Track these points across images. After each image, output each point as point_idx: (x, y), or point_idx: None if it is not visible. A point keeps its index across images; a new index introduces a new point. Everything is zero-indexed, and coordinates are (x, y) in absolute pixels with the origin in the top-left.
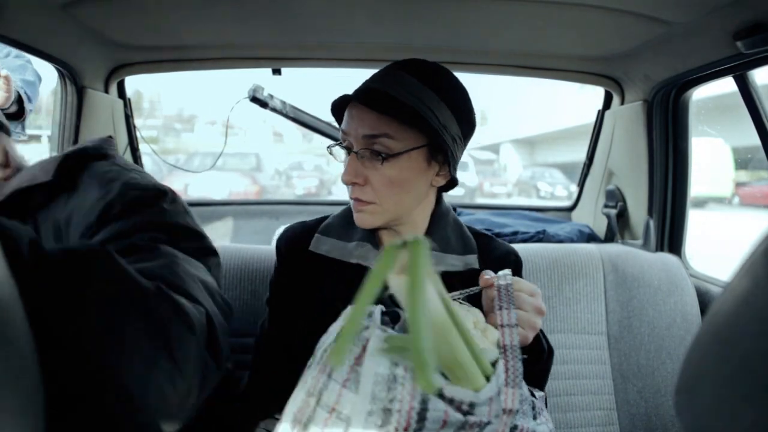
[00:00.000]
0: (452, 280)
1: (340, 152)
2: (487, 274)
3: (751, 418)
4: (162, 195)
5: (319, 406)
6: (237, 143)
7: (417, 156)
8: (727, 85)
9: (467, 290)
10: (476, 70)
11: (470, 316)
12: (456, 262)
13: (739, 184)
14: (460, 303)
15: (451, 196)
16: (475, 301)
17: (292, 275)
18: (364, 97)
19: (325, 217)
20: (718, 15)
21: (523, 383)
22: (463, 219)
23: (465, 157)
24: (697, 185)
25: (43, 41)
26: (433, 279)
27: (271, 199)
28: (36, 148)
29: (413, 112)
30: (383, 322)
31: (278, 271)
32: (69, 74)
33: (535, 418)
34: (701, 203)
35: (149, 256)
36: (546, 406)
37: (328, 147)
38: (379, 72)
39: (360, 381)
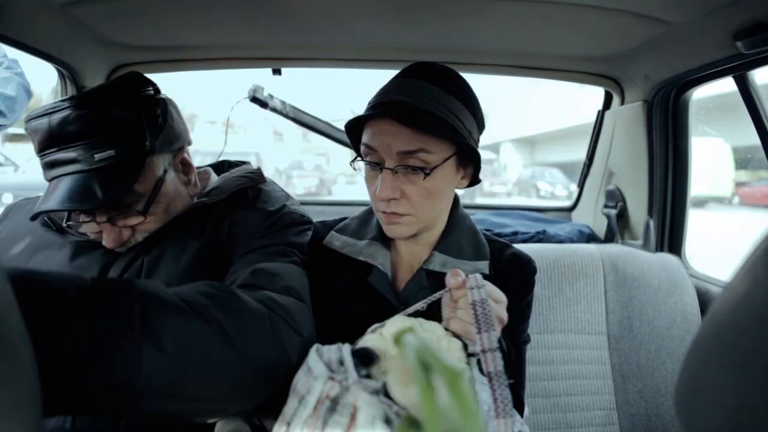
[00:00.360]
0: None
1: (362, 164)
2: (456, 276)
3: (751, 417)
4: (309, 223)
5: None
6: (237, 142)
7: (450, 165)
8: (727, 84)
9: (432, 297)
10: (476, 70)
11: (431, 334)
12: (466, 268)
13: (739, 184)
14: (420, 322)
15: None
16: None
17: (312, 269)
18: (395, 112)
19: (345, 218)
20: (718, 15)
21: (515, 412)
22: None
23: None
24: (698, 185)
25: (42, 41)
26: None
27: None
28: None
29: (446, 124)
30: (355, 364)
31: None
32: (69, 74)
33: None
34: (701, 203)
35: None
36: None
37: (351, 162)
38: (398, 82)
39: None
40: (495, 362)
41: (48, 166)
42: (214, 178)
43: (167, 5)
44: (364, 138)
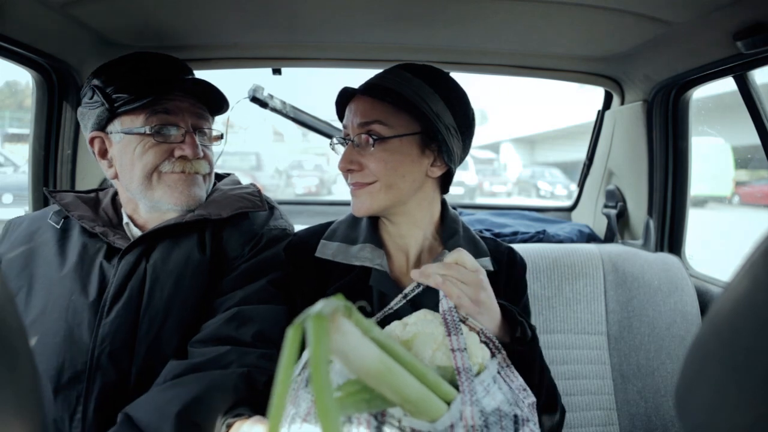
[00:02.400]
0: None
1: (341, 149)
2: (420, 276)
3: (750, 416)
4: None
5: None
6: (237, 142)
7: (410, 142)
8: (727, 84)
9: (407, 293)
10: (476, 70)
11: (431, 338)
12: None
13: (739, 184)
14: (426, 318)
15: (451, 195)
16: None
17: (301, 279)
18: (361, 89)
19: (331, 223)
20: (718, 15)
21: (499, 397)
22: (462, 219)
23: None
24: (698, 184)
25: (42, 41)
26: (366, 328)
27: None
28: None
29: (404, 99)
30: None
31: (287, 276)
32: (69, 74)
33: (516, 431)
34: (701, 202)
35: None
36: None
37: (330, 143)
38: (384, 72)
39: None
40: (463, 360)
41: None
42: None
43: (167, 5)
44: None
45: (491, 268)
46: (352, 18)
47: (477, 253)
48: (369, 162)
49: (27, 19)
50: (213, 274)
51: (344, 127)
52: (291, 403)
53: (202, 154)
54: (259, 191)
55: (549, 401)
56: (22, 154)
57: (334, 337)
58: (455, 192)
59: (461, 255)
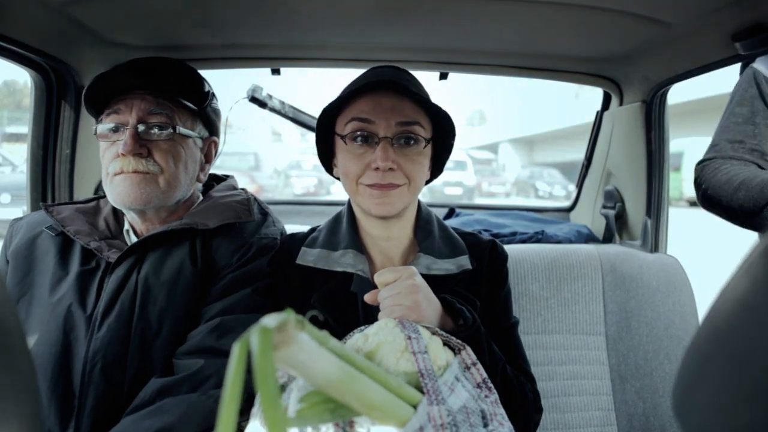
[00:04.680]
0: (448, 283)
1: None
2: (372, 295)
3: (749, 417)
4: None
5: None
6: (235, 142)
7: (429, 148)
8: (726, 84)
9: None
10: (475, 70)
11: (395, 345)
12: (449, 266)
13: None
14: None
15: (449, 195)
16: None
17: (285, 287)
18: (396, 85)
19: (314, 229)
20: (716, 16)
21: (464, 396)
22: (461, 219)
23: (463, 156)
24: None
25: (42, 41)
26: (321, 339)
27: (270, 199)
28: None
29: (433, 104)
30: None
31: (274, 283)
32: (68, 74)
33: (486, 425)
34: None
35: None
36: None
37: (353, 136)
38: (382, 70)
39: None
40: (424, 362)
41: None
42: (196, 190)
43: (166, 5)
44: (357, 113)
45: (469, 266)
46: (351, 18)
47: (455, 252)
48: (405, 163)
49: (26, 18)
50: (204, 285)
51: (365, 120)
52: (261, 423)
53: (130, 149)
54: (248, 200)
55: (507, 394)
56: (20, 154)
57: (290, 349)
58: (454, 192)
59: (381, 277)
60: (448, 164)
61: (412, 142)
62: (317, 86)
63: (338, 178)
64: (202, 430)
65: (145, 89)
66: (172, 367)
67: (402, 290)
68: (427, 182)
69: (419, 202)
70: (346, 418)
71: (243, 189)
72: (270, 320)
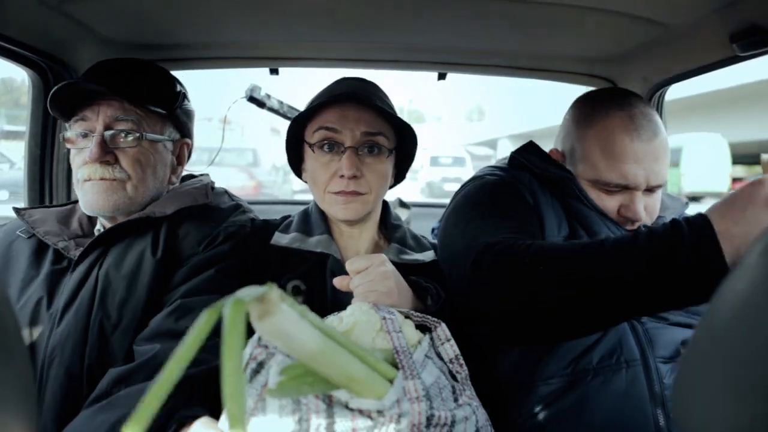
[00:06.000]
0: (417, 273)
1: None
2: (343, 280)
3: (749, 417)
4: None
5: None
6: (234, 139)
7: (392, 157)
8: (725, 80)
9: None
10: (473, 70)
11: (370, 325)
12: (419, 257)
13: (735, 180)
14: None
15: (448, 191)
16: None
17: (256, 267)
18: (360, 97)
19: (287, 217)
20: (714, 17)
21: (435, 372)
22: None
23: (462, 153)
24: (695, 181)
25: (40, 39)
26: (301, 312)
27: (267, 199)
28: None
29: (395, 116)
30: None
31: (242, 264)
32: (66, 72)
33: (456, 400)
34: (698, 199)
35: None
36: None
37: (320, 144)
38: (347, 82)
39: (266, 409)
40: (399, 341)
41: None
42: (166, 191)
43: (164, 4)
44: (324, 122)
45: (436, 258)
46: (350, 18)
47: (420, 248)
48: (368, 171)
49: (23, 16)
50: (167, 273)
51: (331, 129)
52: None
53: (96, 157)
54: (206, 185)
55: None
56: (18, 151)
57: (273, 319)
58: (453, 188)
59: (353, 264)
60: (447, 161)
61: (375, 151)
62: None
63: (306, 182)
64: (160, 419)
65: (111, 95)
66: (132, 356)
67: (374, 277)
68: (391, 187)
69: (387, 205)
70: (325, 391)
71: (205, 176)
72: (251, 291)
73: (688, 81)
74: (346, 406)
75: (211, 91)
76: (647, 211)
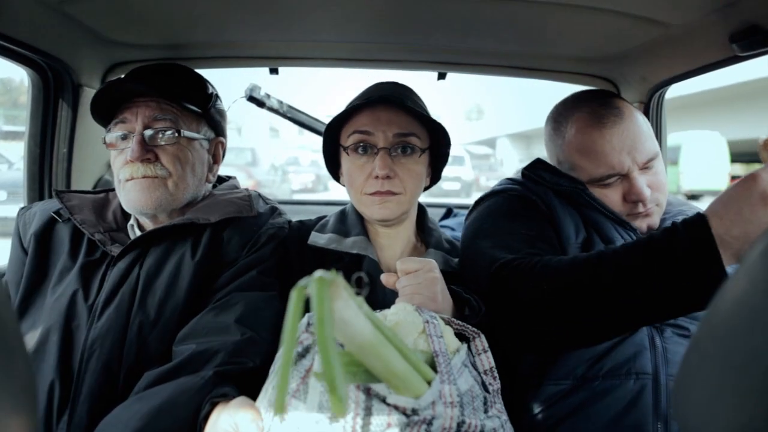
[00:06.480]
0: (455, 280)
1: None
2: (390, 277)
3: (748, 417)
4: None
5: (276, 417)
6: (233, 138)
7: (426, 156)
8: (724, 77)
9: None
10: (473, 70)
11: (413, 326)
12: (455, 265)
13: (734, 178)
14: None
15: (447, 190)
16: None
17: (292, 267)
18: (392, 100)
19: (322, 217)
20: (714, 17)
21: (470, 381)
22: (459, 220)
23: (461, 151)
24: (694, 179)
25: (39, 39)
26: (359, 303)
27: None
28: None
29: (428, 116)
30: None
31: (280, 263)
32: (66, 72)
33: (486, 411)
34: (697, 197)
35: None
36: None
37: (354, 147)
38: (381, 85)
39: (308, 392)
40: (440, 345)
41: None
42: (205, 191)
43: (164, 3)
44: (358, 126)
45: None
46: (350, 17)
47: (456, 252)
48: (402, 171)
49: (23, 16)
50: (207, 278)
51: (365, 132)
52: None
53: (137, 156)
54: (250, 196)
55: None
56: (16, 152)
57: (337, 304)
58: (452, 187)
59: (404, 264)
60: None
61: (408, 151)
62: (319, 86)
63: (343, 185)
64: (194, 410)
65: (149, 96)
66: (170, 357)
67: (423, 281)
68: (427, 188)
69: (424, 208)
70: (366, 382)
71: (246, 189)
72: (323, 274)
73: (687, 80)
74: (384, 401)
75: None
76: (652, 187)
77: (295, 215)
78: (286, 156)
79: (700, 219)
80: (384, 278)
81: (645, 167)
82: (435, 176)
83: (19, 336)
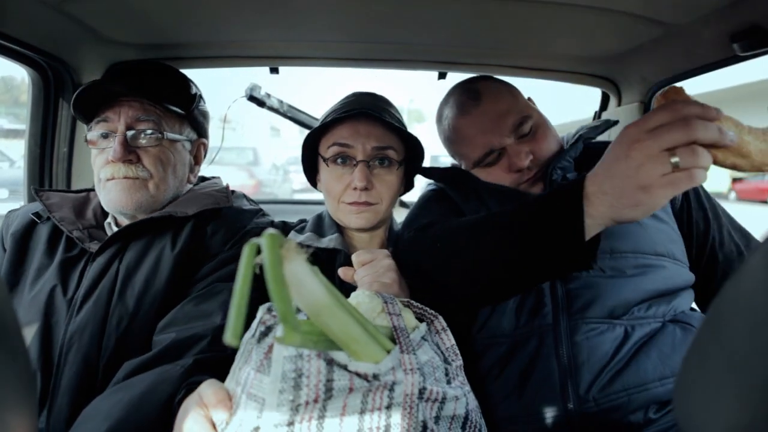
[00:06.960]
0: None
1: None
2: (348, 271)
3: (747, 417)
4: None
5: (243, 393)
6: (234, 138)
7: (402, 169)
8: (724, 80)
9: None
10: (474, 69)
11: (373, 307)
12: None
13: (735, 180)
14: (370, 294)
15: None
16: None
17: None
18: (371, 114)
19: (304, 220)
20: (715, 17)
21: (430, 353)
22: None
23: None
24: None
25: (39, 38)
26: (314, 271)
27: (267, 199)
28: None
29: (405, 131)
30: None
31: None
32: (66, 71)
33: (449, 383)
34: None
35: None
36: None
37: (334, 159)
38: (359, 98)
39: (271, 366)
40: (398, 321)
41: None
42: (185, 190)
43: (165, 3)
44: (338, 138)
45: None
46: (350, 17)
47: None
48: (379, 183)
49: (23, 16)
50: (187, 270)
51: (344, 145)
52: (244, 360)
53: (119, 156)
54: (226, 188)
55: None
56: (17, 150)
57: (290, 264)
58: None
59: (360, 257)
60: (447, 160)
61: (386, 163)
62: (319, 86)
63: (320, 191)
64: (170, 397)
65: (132, 96)
66: (149, 349)
67: (379, 269)
68: (399, 196)
69: (392, 218)
70: (327, 349)
71: (216, 177)
72: (275, 231)
73: (687, 81)
74: (346, 368)
75: (211, 91)
76: (536, 154)
77: (294, 215)
78: (288, 155)
79: (578, 178)
80: (342, 272)
81: (521, 135)
82: (408, 185)
83: (20, 335)
